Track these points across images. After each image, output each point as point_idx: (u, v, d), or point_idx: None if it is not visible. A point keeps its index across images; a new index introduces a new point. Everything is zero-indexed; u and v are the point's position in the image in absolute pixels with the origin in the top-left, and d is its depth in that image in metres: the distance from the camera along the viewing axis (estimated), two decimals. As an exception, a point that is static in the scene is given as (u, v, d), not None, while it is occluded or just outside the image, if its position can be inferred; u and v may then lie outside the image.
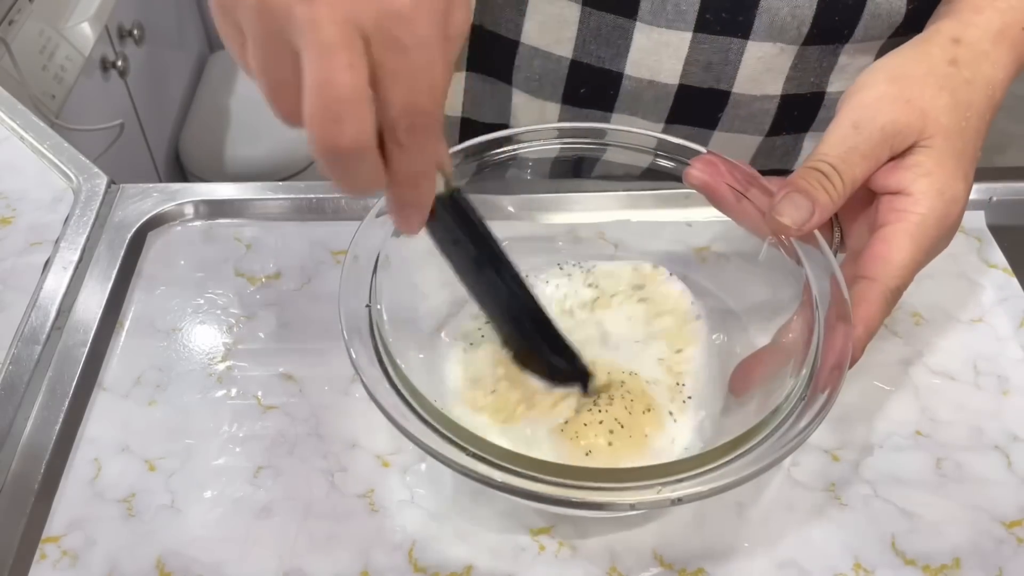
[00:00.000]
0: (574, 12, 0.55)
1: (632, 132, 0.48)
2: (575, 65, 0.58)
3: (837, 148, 0.42)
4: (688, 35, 0.54)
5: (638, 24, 0.54)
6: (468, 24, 0.33)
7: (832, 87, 0.58)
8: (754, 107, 0.58)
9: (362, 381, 0.38)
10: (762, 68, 0.55)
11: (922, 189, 0.42)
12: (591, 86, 0.58)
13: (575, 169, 0.55)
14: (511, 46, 0.59)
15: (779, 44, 0.54)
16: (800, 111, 0.59)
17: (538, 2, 0.56)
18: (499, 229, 0.40)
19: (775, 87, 0.57)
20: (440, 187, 0.36)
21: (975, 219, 0.56)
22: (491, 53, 0.60)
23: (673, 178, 0.48)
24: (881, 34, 0.55)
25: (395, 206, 0.35)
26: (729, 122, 0.59)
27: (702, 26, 0.54)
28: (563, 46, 0.57)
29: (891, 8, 0.53)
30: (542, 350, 0.43)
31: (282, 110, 0.32)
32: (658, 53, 0.55)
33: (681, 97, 0.57)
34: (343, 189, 0.32)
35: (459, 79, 0.62)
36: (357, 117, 0.29)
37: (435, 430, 0.37)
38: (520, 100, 0.62)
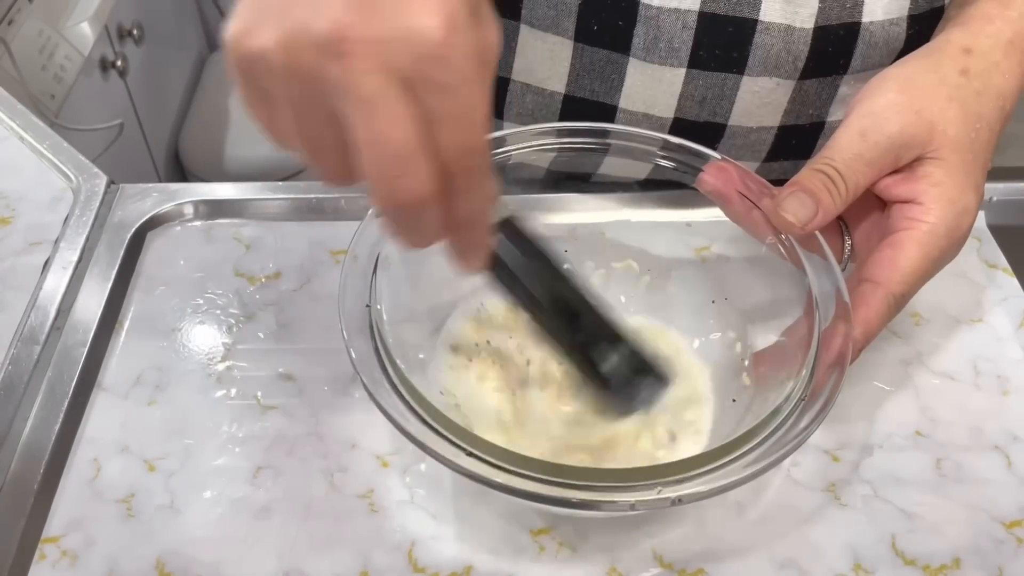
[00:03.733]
0: (567, 49, 0.55)
1: (636, 132, 0.48)
2: (568, 99, 0.57)
3: (843, 153, 0.42)
4: (682, 71, 0.53)
5: (631, 60, 0.54)
6: (501, 42, 0.31)
7: (833, 117, 0.57)
8: (751, 137, 0.57)
9: (362, 381, 0.38)
10: (758, 102, 0.55)
11: (933, 198, 0.42)
12: (585, 118, 0.57)
13: (571, 180, 0.55)
14: (502, 83, 0.58)
15: (775, 79, 0.54)
16: (799, 140, 0.58)
17: (529, 39, 0.55)
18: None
19: (773, 120, 0.56)
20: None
21: (976, 219, 0.56)
22: None
23: (676, 185, 0.47)
24: (882, 62, 0.54)
25: (456, 250, 0.33)
26: (725, 151, 0.58)
27: (696, 62, 0.53)
28: (556, 81, 0.56)
29: (889, 36, 0.53)
30: (618, 375, 0.40)
31: (327, 172, 0.30)
32: (652, 88, 0.55)
33: (676, 130, 0.56)
34: (410, 244, 0.31)
35: None
36: (417, 169, 0.28)
37: (435, 430, 0.37)
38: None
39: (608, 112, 0.57)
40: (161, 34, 1.55)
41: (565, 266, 0.38)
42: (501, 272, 0.37)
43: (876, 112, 0.43)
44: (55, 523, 0.43)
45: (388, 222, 0.30)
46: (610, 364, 0.39)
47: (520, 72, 0.57)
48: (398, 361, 0.39)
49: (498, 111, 0.60)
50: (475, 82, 0.28)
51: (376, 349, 0.39)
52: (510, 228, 0.37)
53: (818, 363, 0.39)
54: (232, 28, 0.29)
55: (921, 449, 0.46)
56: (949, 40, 0.46)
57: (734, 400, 0.45)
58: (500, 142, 0.48)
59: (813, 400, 0.38)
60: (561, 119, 0.58)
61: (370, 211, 0.44)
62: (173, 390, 0.48)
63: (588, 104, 0.57)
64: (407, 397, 0.38)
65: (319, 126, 0.29)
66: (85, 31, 1.24)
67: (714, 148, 0.56)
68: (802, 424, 0.37)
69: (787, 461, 0.44)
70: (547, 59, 0.56)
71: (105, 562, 0.41)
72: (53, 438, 0.46)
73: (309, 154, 0.30)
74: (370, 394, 0.38)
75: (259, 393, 0.48)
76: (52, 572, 0.41)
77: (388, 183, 0.28)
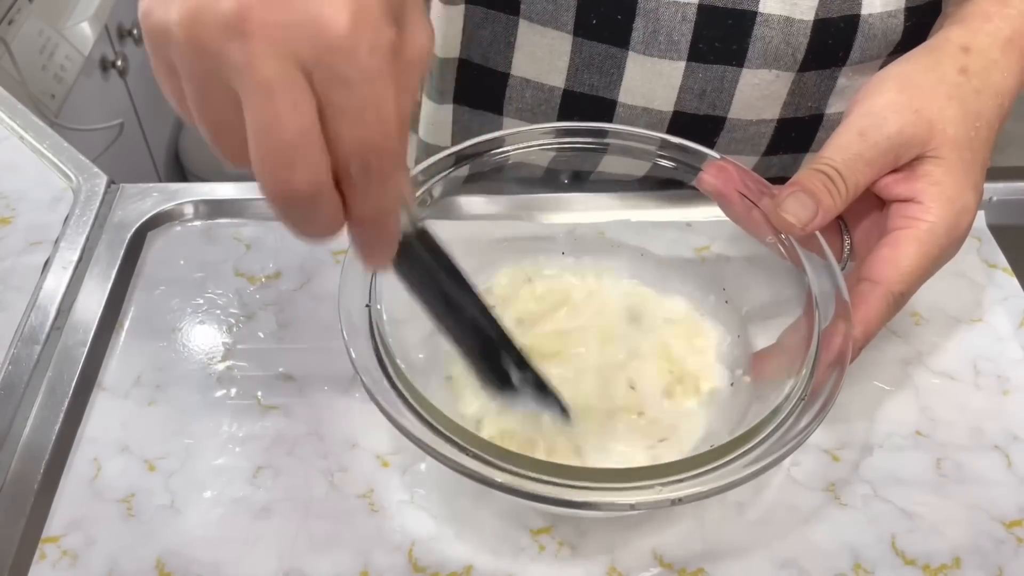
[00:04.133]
0: (566, 43, 0.54)
1: (635, 132, 0.48)
2: (568, 94, 0.57)
3: (843, 153, 0.42)
4: (681, 64, 0.53)
5: (630, 54, 0.53)
6: (430, 44, 0.31)
7: (831, 109, 0.57)
8: (750, 131, 0.57)
9: (362, 381, 0.38)
10: (758, 95, 0.55)
11: (933, 197, 0.42)
12: (585, 113, 0.57)
13: (570, 178, 0.54)
14: (501, 78, 0.58)
15: (774, 71, 0.54)
16: (798, 132, 0.58)
17: (528, 34, 0.55)
18: (498, 229, 0.40)
19: (772, 112, 0.56)
20: (403, 222, 0.33)
21: (975, 219, 0.56)
22: (480, 86, 0.59)
23: (675, 184, 0.47)
24: (879, 53, 0.54)
25: (357, 245, 0.32)
26: (725, 145, 0.58)
27: (695, 55, 0.53)
28: (555, 76, 0.56)
29: (887, 27, 0.53)
30: (515, 383, 0.41)
31: (227, 153, 0.30)
32: (651, 82, 0.55)
33: (676, 124, 0.56)
34: (300, 235, 0.30)
35: (446, 112, 0.60)
36: (307, 160, 0.27)
37: (435, 430, 0.37)
38: (512, 128, 0.61)
39: (608, 107, 0.57)
40: (161, 34, 1.55)
41: (472, 283, 0.38)
42: (412, 270, 0.37)
43: (875, 112, 0.43)
44: (55, 523, 0.43)
45: (276, 212, 0.29)
46: (516, 378, 0.40)
47: (519, 67, 0.57)
48: (398, 361, 0.39)
49: (498, 107, 0.59)
50: (381, 79, 0.27)
51: (376, 349, 0.39)
52: (424, 236, 0.36)
53: (818, 362, 0.39)
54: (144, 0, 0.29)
55: (921, 449, 0.46)
56: (948, 38, 0.46)
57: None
58: (499, 142, 0.48)
59: (813, 399, 0.38)
60: (560, 114, 0.58)
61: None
62: (173, 390, 0.48)
63: (587, 99, 0.57)
64: (407, 397, 0.38)
65: (219, 106, 0.28)
66: (85, 31, 1.24)
67: (714, 142, 0.57)
68: (802, 424, 0.37)
69: (787, 461, 0.44)
70: (546, 54, 0.55)
71: (105, 562, 0.42)
72: (53, 438, 0.46)
73: (209, 133, 0.30)
74: (370, 394, 0.38)
75: (259, 393, 0.48)
76: (52, 572, 0.41)
77: (274, 172, 0.28)
